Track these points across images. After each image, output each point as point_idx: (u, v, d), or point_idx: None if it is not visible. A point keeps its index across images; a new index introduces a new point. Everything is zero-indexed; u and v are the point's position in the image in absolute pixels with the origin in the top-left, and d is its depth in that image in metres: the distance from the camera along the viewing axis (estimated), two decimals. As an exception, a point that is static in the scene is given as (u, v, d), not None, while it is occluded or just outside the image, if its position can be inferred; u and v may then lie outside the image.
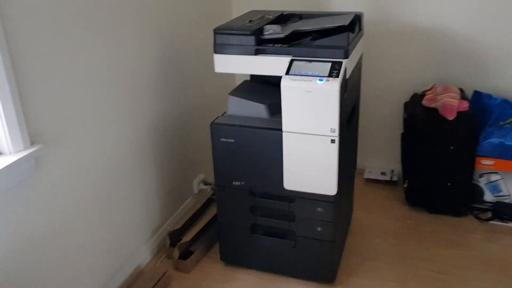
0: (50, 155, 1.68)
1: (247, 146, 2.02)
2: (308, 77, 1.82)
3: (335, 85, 1.78)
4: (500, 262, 2.31)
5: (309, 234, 2.08)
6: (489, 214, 2.63)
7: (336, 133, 1.85)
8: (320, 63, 1.86)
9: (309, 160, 1.93)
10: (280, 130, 1.93)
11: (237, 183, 2.11)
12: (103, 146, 1.97)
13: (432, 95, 2.58)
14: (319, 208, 2.02)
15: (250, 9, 2.40)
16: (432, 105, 2.52)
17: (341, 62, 1.83)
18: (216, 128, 2.04)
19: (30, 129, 1.57)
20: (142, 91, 2.21)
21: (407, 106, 2.76)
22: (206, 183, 2.87)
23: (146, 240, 2.37)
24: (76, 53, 1.76)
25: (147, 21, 2.19)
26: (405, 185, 2.72)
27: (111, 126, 2.01)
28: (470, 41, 2.66)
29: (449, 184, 2.57)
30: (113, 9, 1.94)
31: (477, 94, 2.60)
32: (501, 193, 2.61)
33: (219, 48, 2.00)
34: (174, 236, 2.41)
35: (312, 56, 1.89)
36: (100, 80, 1.91)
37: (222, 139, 2.04)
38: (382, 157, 3.11)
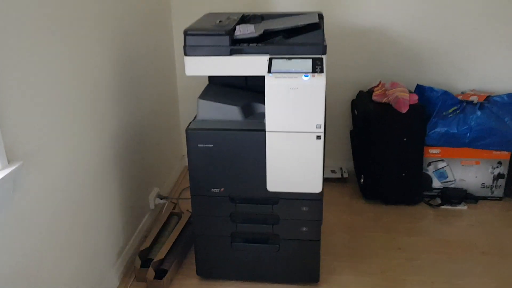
0: (25, 175, 1.46)
1: (227, 150, 1.94)
2: (292, 74, 1.80)
3: (321, 80, 1.77)
4: (459, 242, 2.46)
5: (294, 235, 2.05)
6: (439, 200, 2.79)
7: (322, 129, 1.84)
8: (300, 60, 1.84)
9: (293, 159, 1.91)
10: (263, 130, 1.88)
11: (216, 190, 2.01)
12: (69, 163, 1.77)
13: (380, 90, 2.69)
14: (305, 208, 1.99)
15: (189, 13, 2.33)
16: (384, 100, 2.63)
17: (322, 58, 1.84)
18: (193, 134, 1.94)
19: (5, 145, 1.35)
20: (102, 102, 2.03)
21: (355, 103, 2.86)
22: (161, 197, 2.71)
23: (113, 263, 2.17)
24: (39, 60, 1.56)
25: (103, 31, 2.02)
26: (362, 180, 2.80)
27: (75, 141, 1.81)
28: (407, 40, 2.83)
29: (403, 174, 2.68)
30: (75, 19, 1.76)
31: (419, 87, 2.76)
32: (447, 179, 2.79)
33: (190, 50, 1.90)
34: (143, 255, 2.23)
35: (290, 53, 1.87)
36: (63, 90, 1.72)
37: (200, 145, 1.94)
38: (329, 155, 3.17)
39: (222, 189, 2.01)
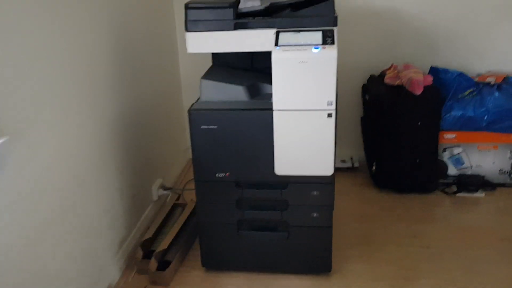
0: (13, 153, 1.35)
1: (232, 132, 1.82)
2: (301, 46, 1.68)
3: (332, 52, 1.66)
4: (475, 230, 2.34)
5: (304, 222, 1.93)
6: (455, 188, 2.66)
7: (333, 106, 1.73)
8: (310, 33, 1.73)
9: (303, 139, 1.79)
10: (271, 109, 1.77)
11: (221, 174, 1.90)
12: (65, 147, 1.66)
13: (393, 73, 2.57)
14: (315, 192, 1.88)
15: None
16: (396, 83, 2.51)
17: (332, 30, 1.72)
18: (196, 115, 1.82)
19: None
20: (100, 87, 1.92)
21: (367, 87, 2.74)
22: (165, 188, 2.60)
23: (113, 255, 2.06)
24: (33, 39, 1.46)
25: (99, 11, 1.91)
26: (374, 169, 2.68)
27: (70, 124, 1.71)
28: (420, 21, 2.71)
29: (417, 161, 2.56)
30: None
31: (433, 69, 2.64)
32: (463, 166, 2.67)
33: (191, 25, 1.79)
34: (145, 247, 2.12)
35: (298, 26, 1.75)
36: (59, 72, 1.61)
37: (203, 126, 1.83)
38: (339, 145, 3.04)
39: (228, 173, 1.89)
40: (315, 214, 1.91)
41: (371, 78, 2.74)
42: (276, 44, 1.71)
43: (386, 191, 2.70)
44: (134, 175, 2.27)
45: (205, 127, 1.83)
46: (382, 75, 2.67)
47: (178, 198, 2.55)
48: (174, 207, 2.48)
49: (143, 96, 2.38)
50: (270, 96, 1.82)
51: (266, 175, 1.87)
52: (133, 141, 2.25)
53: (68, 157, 1.69)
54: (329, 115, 1.74)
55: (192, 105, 1.87)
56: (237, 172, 1.89)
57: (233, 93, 1.90)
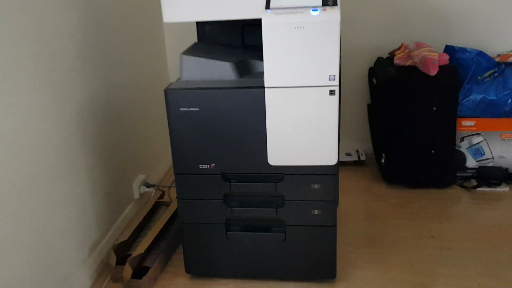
0: None
1: (217, 115, 1.54)
2: (297, 9, 1.40)
3: (335, 14, 1.37)
4: (499, 229, 2.05)
5: (304, 220, 1.64)
6: (474, 182, 2.37)
7: (336, 81, 1.44)
8: (307, -6, 1.44)
9: (301, 123, 1.51)
10: (262, 87, 1.48)
11: (205, 166, 1.62)
12: (22, 136, 1.39)
13: (404, 53, 2.28)
14: (316, 185, 1.59)
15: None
16: (408, 63, 2.22)
17: (334, -11, 1.43)
18: (174, 95, 1.54)
19: None
20: (67, 67, 1.64)
21: (374, 71, 2.45)
22: (148, 185, 2.32)
23: (83, 260, 1.78)
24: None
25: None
26: (383, 161, 2.38)
27: (31, 112, 1.43)
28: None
29: (432, 151, 2.27)
30: None
31: (449, 48, 2.35)
32: (484, 157, 2.37)
33: (168, -11, 1.51)
34: (120, 251, 1.84)
35: (293, -14, 1.47)
36: (13, 47, 1.33)
37: (183, 109, 1.55)
38: (344, 136, 2.75)
39: (213, 164, 1.61)
40: (316, 212, 1.62)
41: (379, 61, 2.46)
42: (267, 6, 1.43)
43: (397, 186, 2.41)
44: (110, 170, 1.99)
45: (185, 109, 1.55)
46: (391, 56, 2.38)
47: (162, 196, 2.26)
48: (158, 205, 2.20)
49: (122, 78, 2.09)
50: (262, 74, 1.54)
51: (258, 166, 1.59)
52: (109, 131, 1.97)
53: (26, 148, 1.41)
54: (332, 92, 1.45)
55: (170, 84, 1.59)
56: (224, 163, 1.60)
57: (219, 71, 1.62)
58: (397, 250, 1.92)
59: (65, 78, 1.66)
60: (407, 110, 2.23)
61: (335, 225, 1.65)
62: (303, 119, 1.50)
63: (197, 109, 1.54)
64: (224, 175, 1.62)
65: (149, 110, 2.40)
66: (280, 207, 1.64)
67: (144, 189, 2.30)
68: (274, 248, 1.70)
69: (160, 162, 2.61)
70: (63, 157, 1.64)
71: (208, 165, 1.61)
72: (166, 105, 1.56)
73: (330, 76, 1.43)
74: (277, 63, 1.44)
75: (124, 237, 1.87)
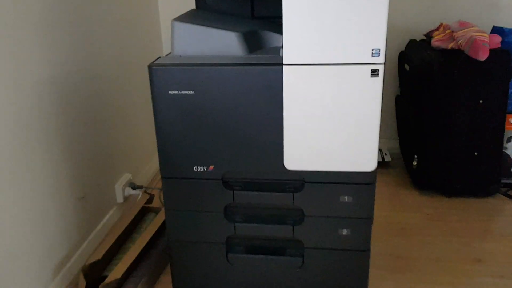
0: None
1: (217, 101, 1.16)
2: (331, -45, 1.01)
3: (385, -38, 0.98)
4: None
5: (328, 242, 1.26)
6: (522, 190, 1.99)
7: (381, 58, 1.05)
8: None
9: (330, 114, 1.12)
10: (280, 64, 1.10)
11: (202, 168, 1.23)
12: None
13: (444, 34, 1.89)
14: (346, 197, 1.21)
15: None
16: (450, 46, 1.83)
17: None
18: (161, 73, 1.16)
19: None
20: (24, 38, 1.25)
21: (406, 55, 2.06)
22: (134, 187, 1.93)
23: (46, 283, 1.40)
24: None
25: None
26: (415, 163, 2.00)
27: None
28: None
29: (475, 154, 1.88)
30: None
31: (497, 30, 1.96)
32: (535, 161, 1.99)
33: None
34: (93, 273, 1.46)
35: None
36: None
37: (173, 92, 1.16)
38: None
39: (211, 167, 1.23)
40: (344, 232, 1.24)
41: (412, 43, 2.07)
42: (290, -47, 1.04)
43: (430, 194, 2.03)
44: (85, 168, 1.61)
45: (176, 92, 1.16)
46: (428, 38, 1.99)
47: (150, 200, 1.88)
48: (145, 212, 1.82)
49: (102, 50, 1.71)
50: (278, 50, 1.16)
51: (270, 170, 1.21)
52: (83, 119, 1.59)
53: None
54: (374, 72, 1.07)
55: (156, 59, 1.21)
56: (226, 165, 1.22)
57: (222, 43, 1.23)
58: (438, 277, 1.55)
59: (23, 47, 1.27)
60: (447, 103, 1.85)
61: (368, 250, 1.26)
62: (333, 109, 1.11)
63: (192, 92, 1.16)
64: (226, 180, 1.24)
65: (138, 93, 2.00)
66: (297, 224, 1.26)
67: (130, 191, 1.92)
68: (288, 276, 1.32)
69: (151, 159, 2.22)
70: (19, 151, 1.26)
71: (205, 168, 1.23)
72: (150, 86, 1.18)
73: (373, 50, 1.05)
74: (300, 31, 1.06)
75: (98, 255, 1.48)
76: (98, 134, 1.69)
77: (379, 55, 1.05)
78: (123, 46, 1.88)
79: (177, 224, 1.31)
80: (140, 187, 1.95)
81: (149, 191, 1.95)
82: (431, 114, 1.89)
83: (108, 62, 1.76)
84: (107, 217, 1.79)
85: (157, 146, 1.23)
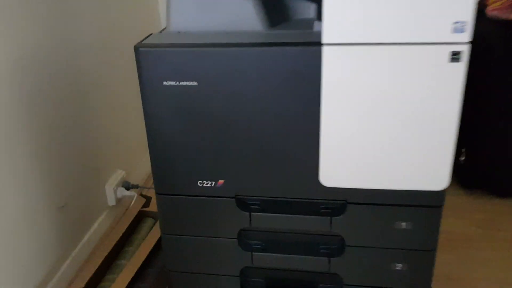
0: None
1: (229, 95, 0.84)
2: None
3: None
4: None
5: (376, 279, 0.96)
6: None
7: (467, 35, 0.72)
8: None
9: (387, 114, 0.80)
10: (317, 44, 0.77)
11: (208, 183, 0.92)
12: None
13: (503, 0, 1.54)
14: (404, 223, 0.90)
15: None
16: (513, 16, 1.49)
17: None
18: (151, 57, 0.84)
19: None
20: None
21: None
22: (128, 187, 1.63)
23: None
24: None
25: None
26: (462, 158, 1.67)
27: None
28: None
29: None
30: None
31: None
32: None
33: None
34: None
35: None
36: None
37: (168, 82, 0.84)
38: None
39: (221, 181, 0.92)
40: (399, 266, 0.94)
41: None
42: None
43: (481, 195, 1.72)
44: (67, 169, 1.31)
45: (172, 83, 0.85)
46: (481, 6, 1.64)
47: (147, 203, 1.59)
48: (142, 217, 1.53)
49: (86, 25, 1.38)
50: (310, 23, 0.84)
51: (300, 186, 0.90)
52: (64, 107, 1.27)
53: None
54: (456, 56, 0.74)
55: (145, 38, 0.89)
56: (241, 179, 0.91)
57: (234, 15, 0.91)
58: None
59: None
60: (506, 86, 1.51)
61: (429, 288, 0.96)
62: (392, 106, 0.79)
63: (194, 83, 0.84)
64: (241, 199, 0.93)
65: (129, 75, 1.67)
66: (336, 255, 0.95)
67: (123, 192, 1.62)
68: (320, 318, 1.02)
69: (147, 152, 1.90)
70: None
71: (213, 182, 0.92)
72: (138, 74, 0.86)
73: (456, 24, 0.72)
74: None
75: (81, 283, 1.19)
76: (81, 125, 1.39)
77: (463, 31, 0.72)
78: (111, 20, 1.55)
79: (177, 253, 1.01)
80: (136, 186, 1.65)
81: (145, 191, 1.66)
82: (485, 99, 1.56)
83: (93, 40, 1.43)
84: (95, 225, 1.49)
85: (149, 154, 0.93)
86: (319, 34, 0.77)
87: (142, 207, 1.56)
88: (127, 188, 1.63)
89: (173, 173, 0.93)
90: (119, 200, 1.61)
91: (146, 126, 0.90)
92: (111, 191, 1.57)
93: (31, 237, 1.18)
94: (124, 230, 1.41)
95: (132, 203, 1.59)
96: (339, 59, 0.78)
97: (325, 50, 0.77)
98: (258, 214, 0.94)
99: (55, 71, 1.24)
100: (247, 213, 0.94)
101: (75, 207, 1.37)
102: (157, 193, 0.96)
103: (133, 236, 1.47)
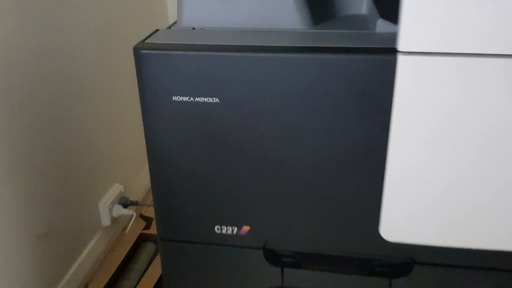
0: None
1: (261, 117, 0.61)
2: None
3: None
4: None
5: None
6: None
7: None
8: None
9: (480, 146, 0.57)
10: (392, 51, 0.54)
11: (227, 229, 0.70)
12: None
13: None
14: (492, 291, 0.67)
15: None
16: None
17: None
18: (154, 62, 0.61)
19: None
20: None
21: None
22: (126, 203, 1.40)
23: None
24: None
25: None
26: None
27: None
28: None
29: None
30: None
31: None
32: None
33: None
34: None
35: None
36: None
37: (178, 98, 0.61)
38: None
39: (246, 228, 0.69)
40: None
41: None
42: None
43: None
44: (48, 188, 1.09)
45: (184, 99, 0.62)
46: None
47: (148, 225, 1.36)
48: (142, 241, 1.31)
49: (79, 20, 1.15)
50: (365, 22, 0.62)
51: (352, 238, 0.67)
52: (47, 116, 1.05)
53: None
54: None
55: (148, 37, 0.66)
56: (271, 226, 0.69)
57: (264, 7, 0.68)
58: None
59: None
60: None
61: None
62: (487, 139, 0.57)
63: (215, 100, 0.61)
64: (271, 251, 0.71)
65: (130, 76, 1.44)
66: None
67: (120, 210, 1.39)
68: None
69: (146, 165, 1.68)
70: None
71: (236, 229, 0.70)
72: (138, 85, 0.63)
73: None
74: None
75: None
76: (70, 134, 1.16)
77: None
78: (110, 12, 1.32)
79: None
80: (135, 203, 1.42)
81: (145, 209, 1.43)
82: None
83: (88, 34, 1.20)
84: (86, 250, 1.27)
85: (152, 189, 0.70)
86: (386, 38, 0.55)
87: (143, 230, 1.34)
88: (125, 206, 1.40)
89: (182, 214, 0.70)
90: (114, 220, 1.38)
91: (148, 154, 0.68)
92: (105, 210, 1.34)
93: (2, 274, 0.96)
94: (120, 259, 1.19)
95: (130, 225, 1.37)
96: (422, 74, 0.55)
97: (402, 61, 0.55)
98: (292, 270, 0.72)
99: (39, 70, 1.01)
100: (279, 269, 0.72)
101: (61, 232, 1.14)
102: (160, 239, 0.74)
103: (130, 265, 1.25)
